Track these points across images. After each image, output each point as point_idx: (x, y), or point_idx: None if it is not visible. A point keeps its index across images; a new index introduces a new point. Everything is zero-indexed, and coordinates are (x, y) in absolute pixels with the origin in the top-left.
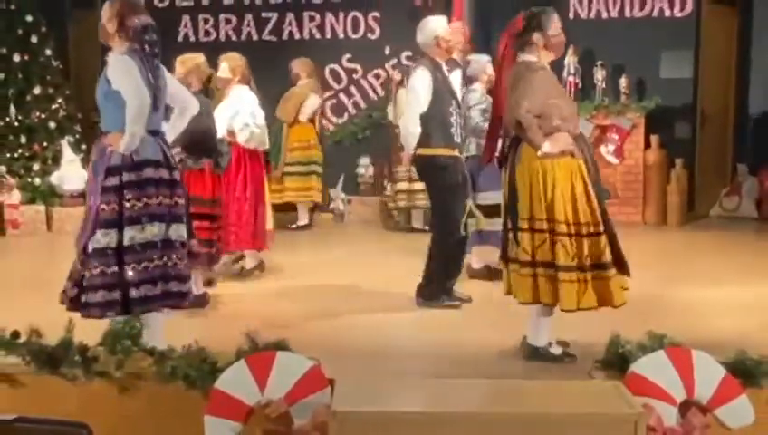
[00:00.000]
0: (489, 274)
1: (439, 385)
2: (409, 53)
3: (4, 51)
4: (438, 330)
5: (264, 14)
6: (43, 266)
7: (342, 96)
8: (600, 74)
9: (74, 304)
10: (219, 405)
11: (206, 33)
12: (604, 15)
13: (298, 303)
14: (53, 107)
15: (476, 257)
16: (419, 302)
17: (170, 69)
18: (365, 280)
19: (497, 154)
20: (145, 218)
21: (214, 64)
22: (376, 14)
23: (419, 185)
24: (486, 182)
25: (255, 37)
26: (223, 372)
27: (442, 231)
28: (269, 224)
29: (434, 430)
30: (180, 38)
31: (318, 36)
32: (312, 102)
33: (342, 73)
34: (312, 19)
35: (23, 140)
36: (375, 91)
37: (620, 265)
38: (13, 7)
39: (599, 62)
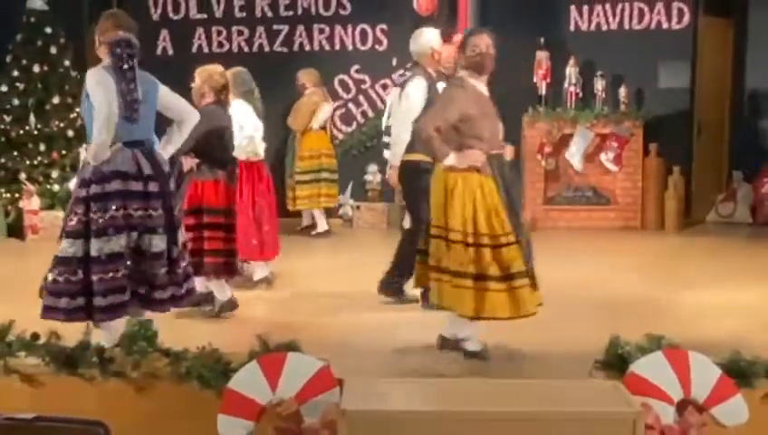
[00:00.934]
0: None
1: (444, 385)
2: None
3: (25, 62)
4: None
5: (275, 27)
6: None
7: (351, 105)
8: (599, 84)
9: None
10: (232, 404)
11: (220, 44)
12: (604, 28)
13: (308, 305)
14: (72, 116)
15: None
16: (382, 293)
17: (189, 79)
18: (372, 283)
19: None
20: (111, 230)
21: None
22: (383, 26)
23: None
24: None
25: (267, 49)
26: (236, 372)
27: (414, 231)
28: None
29: (439, 429)
30: (194, 49)
31: (327, 48)
32: (326, 110)
33: (351, 84)
34: (321, 31)
35: (42, 147)
36: (382, 100)
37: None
38: (32, 20)
39: (599, 73)
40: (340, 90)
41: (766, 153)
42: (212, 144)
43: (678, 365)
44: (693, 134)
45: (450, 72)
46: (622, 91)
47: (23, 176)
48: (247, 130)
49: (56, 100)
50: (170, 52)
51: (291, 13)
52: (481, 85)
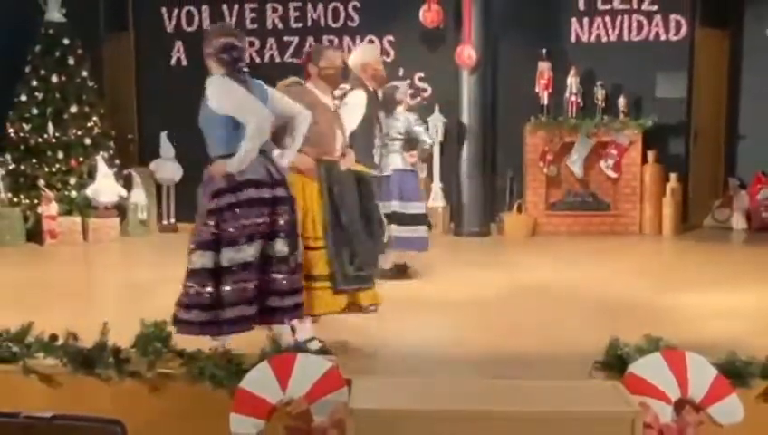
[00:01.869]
0: (397, 273)
1: (448, 384)
2: (422, 74)
3: (43, 72)
4: (446, 330)
5: (285, 38)
6: (79, 274)
7: None
8: (599, 94)
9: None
10: (244, 403)
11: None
12: (604, 39)
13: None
14: (89, 124)
15: (387, 260)
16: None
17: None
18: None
19: None
20: (242, 239)
21: None
22: (390, 37)
23: None
24: (410, 193)
25: (278, 59)
26: (247, 372)
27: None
28: None
29: (442, 427)
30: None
31: None
32: None
33: None
34: (331, 42)
35: (60, 155)
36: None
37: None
38: (51, 32)
39: (599, 83)
40: None
41: (761, 161)
42: None
43: (676, 366)
44: (690, 142)
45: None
46: (621, 100)
47: (41, 182)
48: None
49: (74, 109)
50: (184, 62)
51: (300, 24)
52: (324, 95)
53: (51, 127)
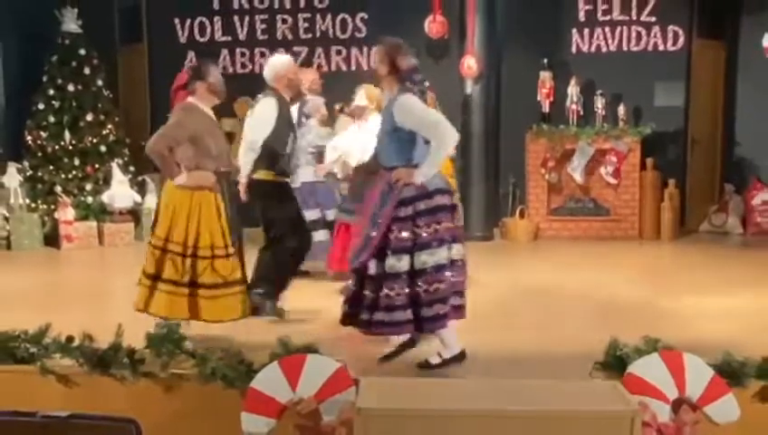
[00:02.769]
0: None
1: (452, 384)
2: (427, 84)
3: (60, 81)
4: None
5: (295, 48)
6: (95, 277)
7: None
8: (599, 103)
9: (363, 325)
10: (255, 403)
11: (243, 65)
12: (604, 50)
13: (326, 309)
14: (104, 132)
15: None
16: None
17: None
18: None
19: None
20: (435, 243)
21: (248, 92)
22: None
23: None
24: (326, 202)
25: None
26: (258, 372)
27: (268, 246)
28: None
29: (447, 426)
30: (219, 70)
31: (344, 68)
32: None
33: None
34: (338, 53)
35: (76, 162)
36: None
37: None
38: (67, 42)
39: (599, 92)
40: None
41: (756, 167)
42: None
43: (674, 366)
44: (687, 149)
45: (315, 93)
46: (621, 109)
47: (58, 188)
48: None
49: (89, 117)
50: None
51: (310, 35)
52: (208, 109)
53: (67, 135)
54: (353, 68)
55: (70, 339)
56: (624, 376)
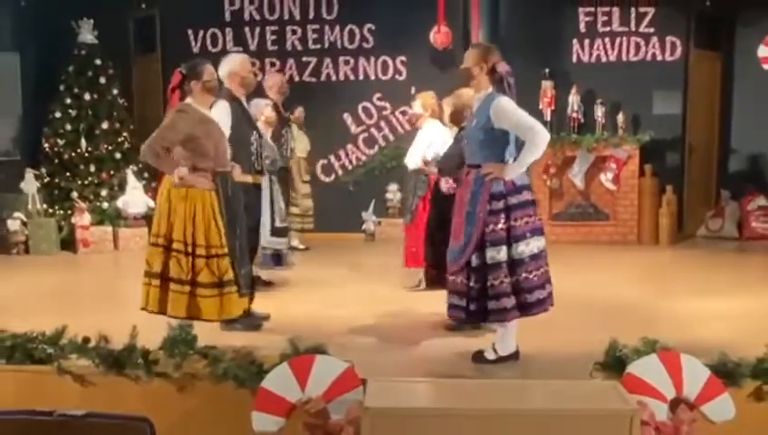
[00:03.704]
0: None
1: (456, 384)
2: (432, 93)
3: (76, 91)
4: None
5: (304, 59)
6: (110, 280)
7: (373, 130)
8: (599, 111)
9: (471, 315)
10: (265, 402)
11: (254, 75)
12: (603, 59)
13: (335, 312)
14: (119, 140)
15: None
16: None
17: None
18: (388, 294)
19: None
20: (528, 234)
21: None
22: (403, 58)
23: None
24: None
25: (297, 78)
26: (268, 373)
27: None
28: None
29: (452, 424)
30: None
31: (352, 78)
32: None
33: (373, 110)
34: (346, 63)
35: (92, 169)
36: (402, 125)
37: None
38: (83, 53)
39: (599, 100)
40: (363, 116)
41: (751, 174)
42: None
43: (671, 366)
44: (684, 156)
45: (281, 98)
46: (620, 117)
47: (74, 194)
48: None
49: (105, 125)
50: None
51: (318, 46)
52: (205, 109)
53: (83, 142)
54: (361, 77)
55: (86, 340)
56: (623, 376)
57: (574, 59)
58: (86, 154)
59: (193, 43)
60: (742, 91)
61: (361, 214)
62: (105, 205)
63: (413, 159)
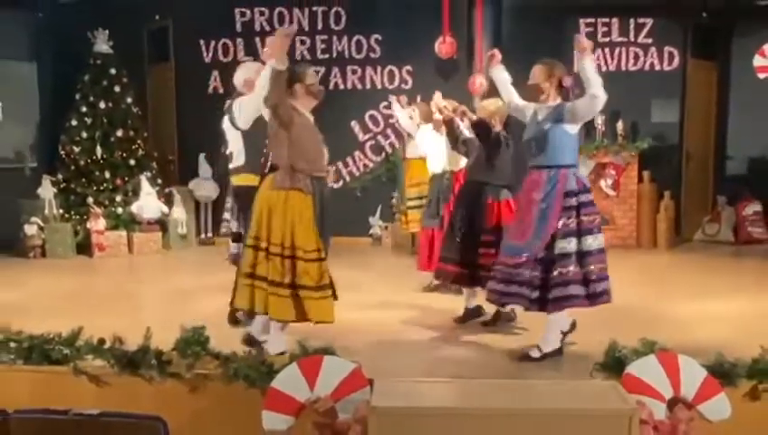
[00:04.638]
0: None
1: (461, 384)
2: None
3: (92, 99)
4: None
5: (313, 68)
6: (124, 284)
7: (380, 138)
8: (599, 119)
9: (533, 302)
10: (275, 401)
11: None
12: (603, 69)
13: (343, 314)
14: (133, 147)
15: None
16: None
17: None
18: (392, 297)
19: None
20: (596, 229)
21: None
22: (409, 67)
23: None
24: None
25: None
26: (278, 373)
27: None
28: None
29: (456, 423)
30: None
31: (359, 87)
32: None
33: (380, 118)
34: (354, 72)
35: (107, 175)
36: (408, 133)
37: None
38: (98, 62)
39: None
40: (370, 124)
41: (747, 179)
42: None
43: (669, 367)
44: (682, 163)
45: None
46: (619, 125)
47: (90, 200)
48: None
49: (120, 133)
50: (220, 90)
51: (327, 55)
52: (307, 112)
53: (99, 149)
54: (368, 86)
55: (101, 341)
56: (622, 376)
57: (575, 68)
58: (101, 161)
59: (205, 53)
60: (738, 99)
61: (368, 219)
62: (120, 210)
63: (438, 163)
